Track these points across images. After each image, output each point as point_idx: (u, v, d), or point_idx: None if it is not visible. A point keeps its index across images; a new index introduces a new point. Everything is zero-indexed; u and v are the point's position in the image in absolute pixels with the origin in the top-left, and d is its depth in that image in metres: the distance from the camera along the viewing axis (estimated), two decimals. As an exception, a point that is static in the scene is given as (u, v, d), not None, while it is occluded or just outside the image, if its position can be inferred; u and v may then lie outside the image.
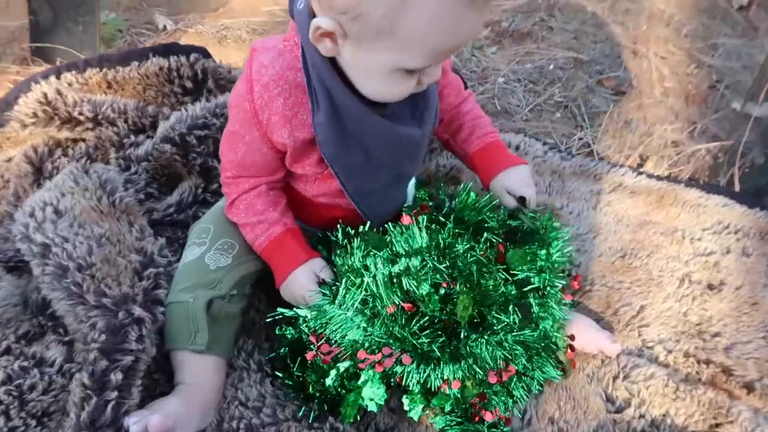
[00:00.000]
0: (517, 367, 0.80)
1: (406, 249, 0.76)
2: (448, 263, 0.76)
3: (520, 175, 0.92)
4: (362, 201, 0.86)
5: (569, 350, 0.89)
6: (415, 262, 0.75)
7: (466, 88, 1.02)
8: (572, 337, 0.91)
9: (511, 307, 0.78)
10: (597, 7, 2.09)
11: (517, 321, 0.78)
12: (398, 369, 0.75)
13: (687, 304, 1.01)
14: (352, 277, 0.77)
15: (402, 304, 0.75)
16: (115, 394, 0.73)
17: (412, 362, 0.74)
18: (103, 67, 1.23)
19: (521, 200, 0.89)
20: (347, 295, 0.75)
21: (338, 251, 0.82)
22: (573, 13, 2.06)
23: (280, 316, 0.82)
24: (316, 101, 0.77)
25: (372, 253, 0.77)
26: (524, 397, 0.83)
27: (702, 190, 1.24)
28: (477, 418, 0.79)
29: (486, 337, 0.76)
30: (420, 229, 0.78)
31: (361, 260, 0.77)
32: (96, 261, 0.84)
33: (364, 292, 0.75)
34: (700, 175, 1.40)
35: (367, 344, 0.74)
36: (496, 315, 0.79)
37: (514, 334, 0.79)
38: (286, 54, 0.78)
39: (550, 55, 1.83)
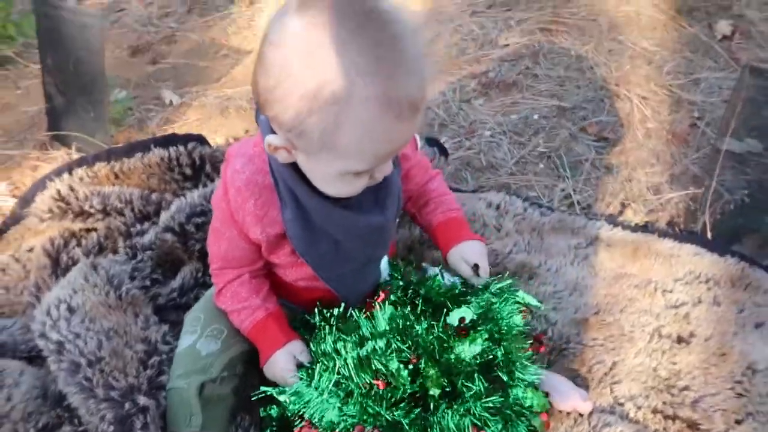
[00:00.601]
0: None
1: (372, 332, 0.85)
2: (410, 342, 0.84)
3: (476, 246, 1.01)
4: (337, 284, 0.95)
5: (543, 413, 0.95)
6: (381, 343, 0.83)
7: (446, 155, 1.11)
8: (546, 394, 0.97)
9: (476, 376, 0.85)
10: (582, 49, 2.17)
11: (483, 389, 0.85)
12: None
13: (657, 358, 1.07)
14: (325, 361, 0.85)
15: (374, 381, 0.83)
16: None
17: None
18: (111, 160, 1.35)
19: (475, 268, 0.97)
20: (322, 378, 0.84)
21: (314, 336, 0.90)
22: (557, 58, 2.14)
23: (263, 395, 0.90)
24: (283, 200, 0.86)
25: (341, 338, 0.86)
26: None
27: (675, 240, 1.30)
28: None
29: (455, 406, 0.83)
30: (383, 313, 0.86)
31: (332, 345, 0.86)
32: (105, 355, 0.94)
33: (336, 375, 0.83)
34: (677, 221, 1.46)
35: (342, 424, 0.82)
36: (465, 384, 0.86)
37: (482, 401, 0.86)
38: (256, 159, 0.88)
39: (535, 104, 1.91)
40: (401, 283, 0.97)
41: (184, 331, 1.00)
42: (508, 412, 0.89)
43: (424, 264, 1.14)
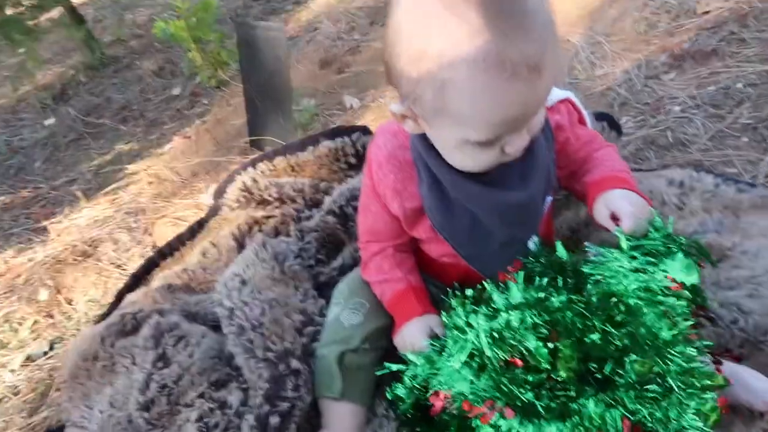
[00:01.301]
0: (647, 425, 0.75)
1: (505, 305, 0.79)
2: (547, 317, 0.76)
3: (627, 194, 0.81)
4: (479, 263, 0.91)
5: (722, 398, 0.78)
6: (515, 317, 0.77)
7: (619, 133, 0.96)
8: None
9: (628, 363, 0.74)
10: (807, 5, 1.82)
11: (634, 377, 0.74)
12: (501, 423, 0.76)
13: None
14: (459, 335, 0.81)
15: (510, 359, 0.77)
16: (273, 434, 0.89)
17: (515, 416, 0.75)
18: (287, 154, 1.48)
19: (614, 219, 0.79)
20: (454, 348, 0.80)
21: (448, 313, 0.87)
22: (773, 18, 1.82)
23: (390, 372, 0.89)
24: (420, 174, 0.86)
25: (474, 310, 0.81)
26: None
27: None
28: None
29: (601, 395, 0.74)
30: (517, 284, 0.79)
31: (465, 318, 0.81)
32: (265, 321, 1.03)
33: (471, 346, 0.79)
34: None
35: (472, 396, 0.78)
36: (617, 370, 0.75)
37: (638, 390, 0.74)
38: (398, 135, 0.89)
39: (739, 72, 1.64)
40: (543, 260, 0.87)
41: (332, 303, 1.05)
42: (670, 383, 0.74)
43: (586, 243, 1.03)
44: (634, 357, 0.73)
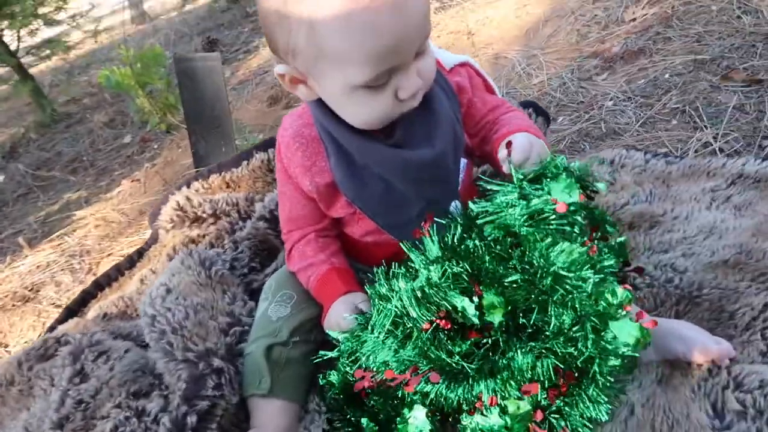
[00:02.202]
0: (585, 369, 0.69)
1: (423, 262, 0.75)
2: (468, 266, 0.71)
3: (528, 135, 0.76)
4: (400, 233, 0.88)
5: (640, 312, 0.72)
6: (435, 271, 0.73)
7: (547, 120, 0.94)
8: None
9: (551, 307, 0.70)
10: (724, 2, 1.89)
11: (560, 322, 0.69)
12: (428, 388, 0.72)
13: (827, 294, 0.81)
14: (381, 303, 0.77)
15: (437, 320, 0.73)
16: (191, 435, 0.82)
17: (441, 380, 0.70)
18: (222, 171, 1.46)
19: (508, 145, 0.73)
20: (377, 318, 0.76)
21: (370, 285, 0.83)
22: (694, 17, 1.89)
23: (323, 359, 0.84)
24: (326, 147, 0.84)
25: (394, 274, 0.77)
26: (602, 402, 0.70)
27: None
28: None
29: (524, 344, 0.69)
30: (432, 237, 0.75)
31: (386, 284, 0.77)
32: (188, 324, 0.97)
33: (394, 311, 0.75)
34: None
35: (395, 364, 0.73)
36: (544, 318, 0.71)
37: (566, 335, 0.69)
38: (303, 115, 0.88)
39: (666, 65, 1.69)
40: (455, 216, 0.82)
41: (260, 300, 1.00)
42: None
43: (479, 175, 0.96)
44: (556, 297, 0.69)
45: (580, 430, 0.72)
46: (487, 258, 0.71)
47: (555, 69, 1.96)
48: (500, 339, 0.71)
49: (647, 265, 0.96)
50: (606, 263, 0.65)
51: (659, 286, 0.92)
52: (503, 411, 0.71)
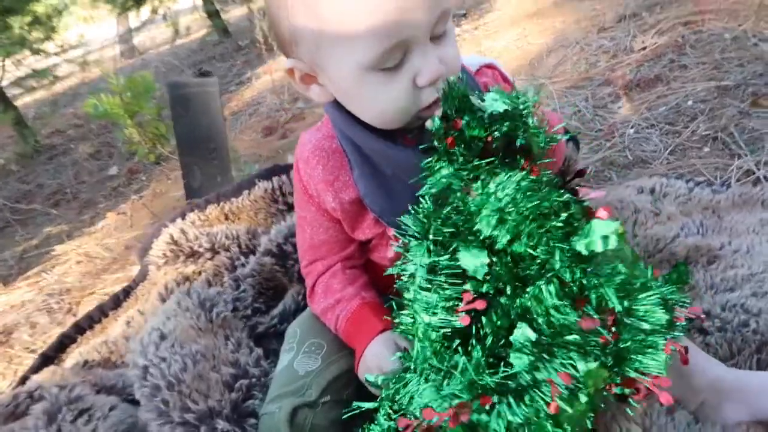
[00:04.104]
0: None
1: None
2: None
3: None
4: None
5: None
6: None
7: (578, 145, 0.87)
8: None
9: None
10: (738, 30, 1.84)
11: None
12: (482, 417, 0.58)
13: None
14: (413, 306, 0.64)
15: (468, 305, 0.59)
16: None
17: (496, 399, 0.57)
18: (221, 202, 1.33)
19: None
20: (418, 353, 0.63)
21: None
22: (708, 45, 1.83)
23: (358, 411, 0.70)
24: (349, 159, 0.73)
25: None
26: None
27: None
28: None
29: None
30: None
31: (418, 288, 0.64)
32: (187, 378, 0.83)
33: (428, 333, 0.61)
34: None
35: (437, 402, 0.60)
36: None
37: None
38: (323, 127, 0.78)
39: (687, 92, 1.61)
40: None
41: (282, 350, 0.85)
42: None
43: None
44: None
45: None
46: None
47: (567, 97, 1.88)
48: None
49: (713, 306, 0.85)
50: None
51: (733, 330, 0.80)
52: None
